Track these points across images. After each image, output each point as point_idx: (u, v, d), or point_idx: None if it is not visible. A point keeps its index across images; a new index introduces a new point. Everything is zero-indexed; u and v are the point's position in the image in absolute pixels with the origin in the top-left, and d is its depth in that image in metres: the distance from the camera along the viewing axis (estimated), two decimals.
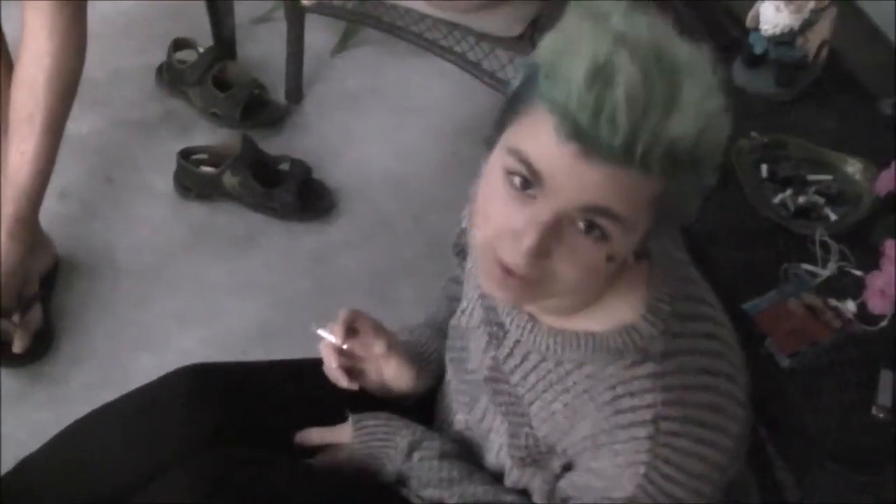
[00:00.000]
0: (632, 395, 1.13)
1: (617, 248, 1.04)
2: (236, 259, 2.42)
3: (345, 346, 1.40)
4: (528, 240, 1.02)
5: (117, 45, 2.82)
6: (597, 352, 1.16)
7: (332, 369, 1.41)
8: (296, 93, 2.77)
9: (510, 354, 1.27)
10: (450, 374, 1.43)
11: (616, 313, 1.17)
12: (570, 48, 0.98)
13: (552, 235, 1.02)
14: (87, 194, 2.51)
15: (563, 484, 1.24)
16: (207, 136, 2.66)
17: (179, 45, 2.75)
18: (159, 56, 2.77)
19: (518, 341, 1.25)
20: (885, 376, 1.51)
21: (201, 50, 2.73)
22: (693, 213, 1.07)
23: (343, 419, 1.42)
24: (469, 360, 1.37)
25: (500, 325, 1.28)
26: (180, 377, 1.49)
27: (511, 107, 1.06)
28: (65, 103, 1.98)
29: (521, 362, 1.25)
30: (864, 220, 1.71)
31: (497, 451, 1.34)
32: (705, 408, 1.14)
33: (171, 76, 2.73)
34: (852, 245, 1.67)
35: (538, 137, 1.00)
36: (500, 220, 1.05)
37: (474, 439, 1.40)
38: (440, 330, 1.50)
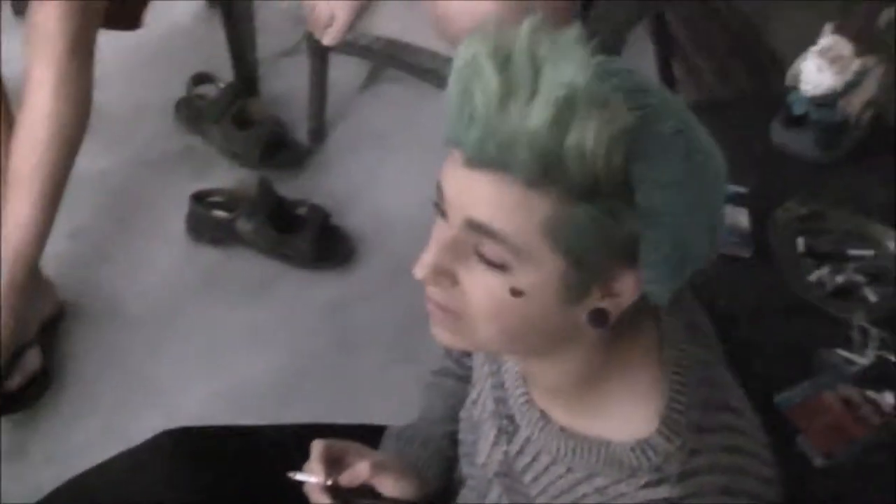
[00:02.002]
0: None
1: (521, 281, 0.96)
2: (250, 308, 2.36)
3: (329, 483, 1.33)
4: (426, 255, 0.99)
5: (137, 78, 2.79)
6: (608, 465, 1.08)
7: None
8: (318, 132, 2.71)
9: (521, 452, 1.20)
10: (464, 469, 1.37)
11: (630, 421, 1.08)
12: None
13: (455, 258, 0.98)
14: (98, 235, 2.47)
15: None
16: (225, 175, 2.61)
17: (199, 79, 2.71)
18: (179, 90, 2.73)
19: (529, 439, 1.18)
20: None
21: (222, 85, 2.69)
22: (617, 260, 0.96)
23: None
24: (478, 453, 1.29)
25: (511, 419, 1.21)
26: (163, 441, 1.47)
27: None
28: (66, 165, 1.95)
29: (532, 462, 1.18)
30: None
31: None
32: None
33: (190, 112, 2.69)
34: (894, 331, 1.57)
35: (449, 158, 0.97)
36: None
37: None
38: (434, 425, 1.44)
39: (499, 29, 0.93)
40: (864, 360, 1.54)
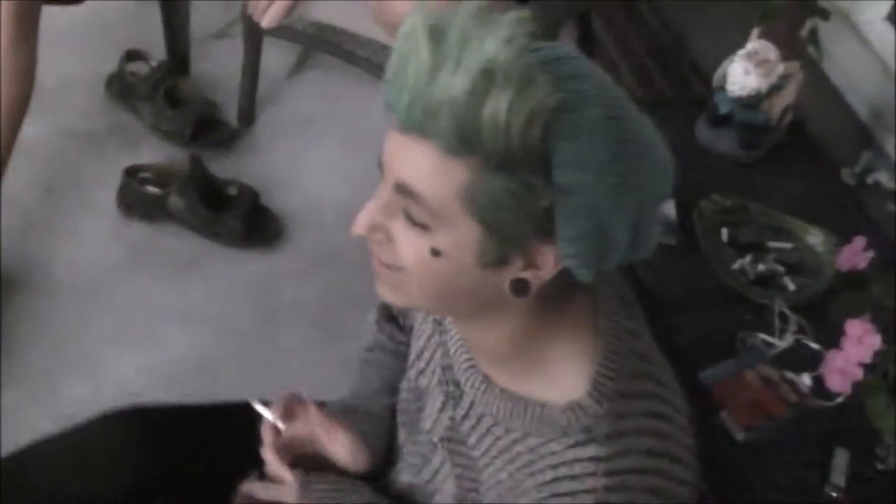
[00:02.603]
0: (572, 477, 1.09)
1: (440, 241, 1.02)
2: (178, 284, 2.37)
3: (281, 426, 1.36)
4: (363, 212, 1.04)
5: (68, 51, 2.74)
6: (542, 424, 1.13)
7: (269, 452, 1.36)
8: (248, 114, 2.72)
9: (466, 415, 1.23)
10: (401, 437, 1.39)
11: (563, 384, 1.13)
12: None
13: (388, 215, 1.03)
14: (27, 204, 2.45)
15: None
16: (155, 153, 2.60)
17: (132, 56, 2.69)
18: (111, 66, 2.70)
19: (473, 402, 1.22)
20: (840, 455, 1.50)
21: (154, 63, 2.67)
22: (535, 233, 1.01)
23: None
24: (423, 419, 1.32)
25: (457, 385, 1.24)
26: (110, 421, 1.46)
27: None
28: (10, 133, 1.92)
29: (476, 424, 1.22)
30: (823, 293, 1.69)
31: None
32: (648, 492, 1.10)
33: (121, 88, 2.67)
34: (810, 317, 1.66)
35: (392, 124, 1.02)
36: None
37: (417, 501, 1.36)
38: (373, 398, 1.46)
39: (444, 8, 0.98)
40: (783, 343, 1.62)
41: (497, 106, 0.93)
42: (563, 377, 1.13)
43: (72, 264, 2.35)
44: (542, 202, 0.97)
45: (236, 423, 1.43)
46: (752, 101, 1.86)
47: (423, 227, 1.01)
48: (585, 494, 1.07)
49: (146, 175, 2.47)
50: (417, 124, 0.96)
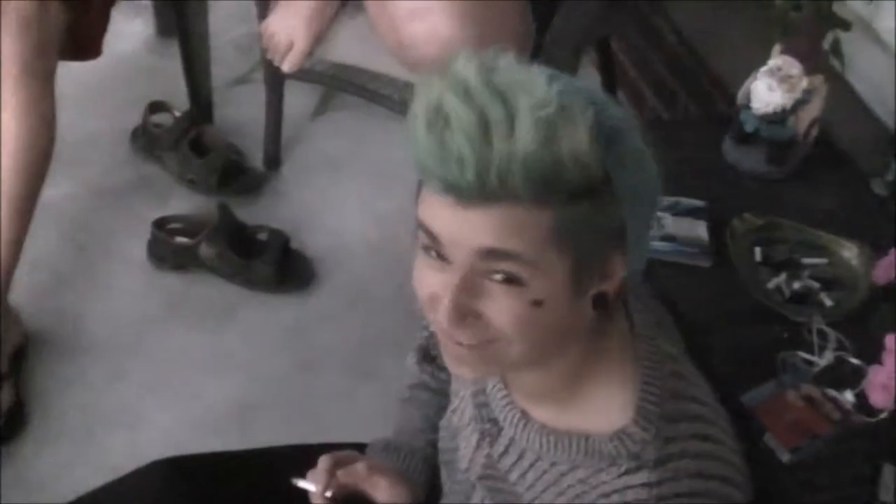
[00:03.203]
0: None
1: (539, 292, 1.00)
2: (213, 332, 2.37)
3: (328, 494, 1.36)
4: (445, 301, 1.01)
5: (91, 107, 2.78)
6: (589, 456, 1.12)
7: None
8: (274, 158, 2.73)
9: (505, 452, 1.22)
10: (444, 477, 1.39)
11: (607, 413, 1.13)
12: (412, 107, 0.97)
13: (470, 294, 1.01)
14: (58, 263, 2.46)
15: None
16: (183, 203, 2.62)
17: (155, 108, 2.71)
18: (134, 120, 2.73)
19: (512, 439, 1.21)
20: (888, 471, 1.47)
21: (177, 113, 2.69)
22: (610, 246, 1.03)
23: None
24: (460, 459, 1.32)
25: (494, 422, 1.24)
26: (154, 470, 1.46)
27: (420, 182, 1.04)
28: (33, 186, 1.94)
29: (518, 460, 1.21)
30: (861, 307, 1.67)
31: None
32: None
33: (146, 140, 2.69)
34: (849, 332, 1.63)
35: (427, 202, 1.00)
36: (427, 292, 1.05)
37: None
38: (415, 436, 1.47)
39: (443, 65, 0.98)
40: (823, 360, 1.60)
41: (574, 141, 0.93)
42: (605, 406, 1.13)
43: (106, 319, 2.36)
44: (615, 215, 0.99)
45: (277, 469, 1.43)
46: (778, 118, 1.84)
47: (520, 283, 0.99)
48: None
49: (176, 226, 2.49)
50: (491, 192, 0.94)
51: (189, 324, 2.38)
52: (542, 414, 1.18)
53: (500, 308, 1.01)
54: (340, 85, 2.50)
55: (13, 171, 1.91)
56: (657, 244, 1.72)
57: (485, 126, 0.92)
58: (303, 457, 1.43)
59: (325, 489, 1.36)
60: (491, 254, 0.98)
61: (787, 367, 1.60)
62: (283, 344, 2.36)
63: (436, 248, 1.01)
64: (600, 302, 1.06)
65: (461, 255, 0.99)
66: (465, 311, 1.01)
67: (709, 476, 1.11)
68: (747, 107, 1.88)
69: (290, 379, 2.29)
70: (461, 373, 1.12)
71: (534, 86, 0.95)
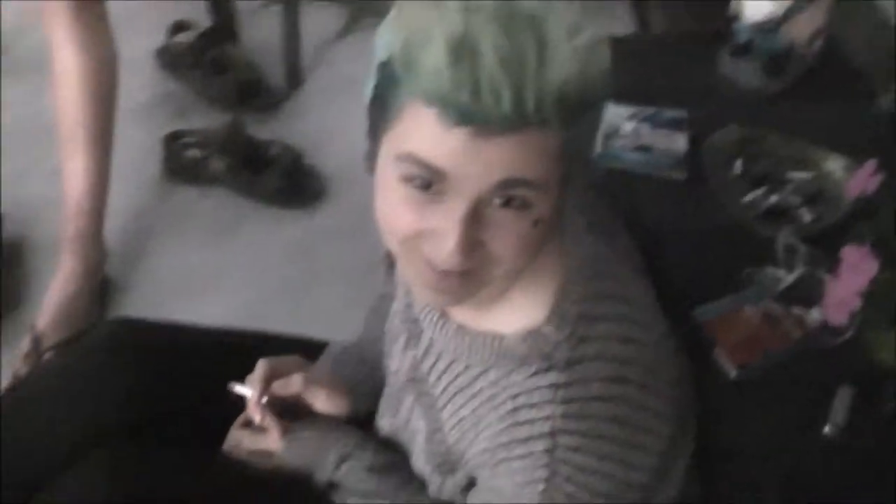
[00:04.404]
0: (531, 406, 1.06)
1: (541, 211, 0.98)
2: (221, 245, 2.39)
3: (264, 400, 1.37)
4: (453, 238, 0.96)
5: (119, 29, 2.78)
6: (501, 357, 1.10)
7: (254, 411, 1.38)
8: (295, 76, 2.72)
9: (426, 354, 1.22)
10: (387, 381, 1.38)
11: (523, 314, 1.10)
12: (420, 36, 0.91)
13: (475, 224, 0.96)
14: None
15: (468, 501, 1.18)
16: (203, 119, 2.63)
17: (178, 27, 2.73)
18: (160, 40, 2.75)
19: (432, 339, 1.20)
20: (843, 392, 1.39)
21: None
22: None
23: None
24: (391, 359, 1.32)
25: (416, 322, 1.23)
26: (109, 330, 1.51)
27: (380, 113, 1.00)
28: (103, 115, 2.02)
29: (436, 362, 1.20)
30: (840, 223, 1.58)
31: (418, 456, 1.28)
32: (610, 421, 1.06)
33: (170, 58, 2.70)
34: (827, 249, 1.54)
35: (424, 134, 0.94)
36: (414, 227, 0.99)
37: (400, 444, 1.34)
38: (372, 345, 1.46)
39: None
40: (791, 276, 1.52)
41: (602, 60, 0.94)
42: (522, 306, 1.10)
43: (119, 231, 2.38)
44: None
45: (231, 354, 1.46)
46: (770, 26, 1.75)
47: (526, 206, 0.97)
48: (543, 422, 1.04)
49: (189, 140, 2.50)
50: (526, 122, 0.91)
51: (198, 237, 2.40)
52: (461, 315, 1.16)
53: (506, 233, 0.98)
54: (364, 5, 2.47)
55: (81, 103, 1.99)
56: (629, 154, 1.65)
57: (521, 55, 0.89)
58: (258, 343, 1.48)
59: (260, 397, 1.36)
60: (506, 183, 0.95)
61: (750, 282, 1.52)
62: (287, 259, 2.36)
63: (432, 182, 0.96)
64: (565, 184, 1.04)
65: (469, 187, 0.95)
66: (474, 243, 0.98)
67: (625, 381, 1.07)
68: (739, 17, 1.79)
69: (291, 293, 2.29)
70: (435, 301, 1.08)
71: (558, 10, 0.93)
